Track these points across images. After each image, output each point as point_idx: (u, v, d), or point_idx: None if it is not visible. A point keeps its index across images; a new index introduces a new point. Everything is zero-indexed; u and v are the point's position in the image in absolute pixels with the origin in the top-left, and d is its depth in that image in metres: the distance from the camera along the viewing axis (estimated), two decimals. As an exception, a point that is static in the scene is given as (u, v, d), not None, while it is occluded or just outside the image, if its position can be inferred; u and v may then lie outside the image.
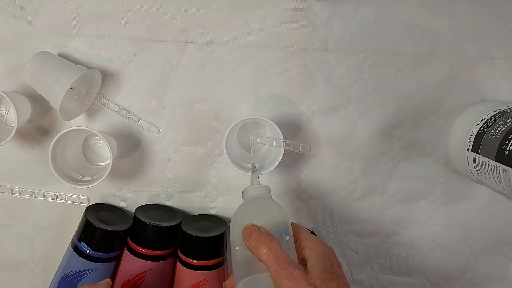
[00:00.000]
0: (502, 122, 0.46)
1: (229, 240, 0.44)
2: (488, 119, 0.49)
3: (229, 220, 0.57)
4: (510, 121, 0.46)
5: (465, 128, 0.52)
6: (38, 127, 0.56)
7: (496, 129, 0.46)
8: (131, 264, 0.52)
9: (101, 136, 0.50)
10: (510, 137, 0.44)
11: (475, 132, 0.50)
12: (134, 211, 0.54)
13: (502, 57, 0.54)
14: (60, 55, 0.54)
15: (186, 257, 0.52)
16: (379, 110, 0.54)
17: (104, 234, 0.51)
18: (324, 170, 0.56)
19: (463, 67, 0.54)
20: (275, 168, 0.49)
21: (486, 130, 0.48)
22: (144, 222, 0.52)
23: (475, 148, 0.49)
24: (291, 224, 0.42)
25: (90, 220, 0.51)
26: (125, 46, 0.54)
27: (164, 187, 0.56)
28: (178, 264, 0.53)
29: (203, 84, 0.54)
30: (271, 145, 0.51)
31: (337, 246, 0.58)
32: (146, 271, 0.52)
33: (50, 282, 0.53)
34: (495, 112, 0.49)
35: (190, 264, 0.52)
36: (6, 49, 0.54)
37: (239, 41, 0.54)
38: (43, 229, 0.58)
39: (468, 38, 0.53)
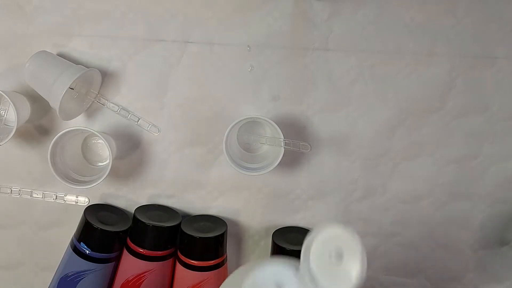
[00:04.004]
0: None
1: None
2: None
3: (229, 220, 0.57)
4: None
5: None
6: (38, 127, 0.55)
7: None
8: (130, 265, 0.52)
9: (100, 136, 0.50)
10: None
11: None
12: (133, 211, 0.54)
13: (503, 56, 0.53)
14: (59, 54, 0.54)
15: (186, 257, 0.52)
16: (379, 110, 0.54)
17: (103, 234, 0.51)
18: (324, 170, 0.55)
19: (463, 67, 0.54)
20: (275, 168, 0.49)
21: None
22: (144, 223, 0.52)
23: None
24: None
25: (90, 221, 0.51)
26: (125, 46, 0.54)
27: (164, 187, 0.56)
28: (178, 264, 0.53)
29: (203, 84, 0.54)
30: (271, 145, 0.51)
31: (337, 246, 0.57)
32: (146, 272, 0.52)
33: (50, 282, 0.53)
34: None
35: (190, 264, 0.52)
36: (5, 49, 0.54)
37: (239, 41, 0.54)
38: (43, 229, 0.57)
39: (468, 38, 0.53)
